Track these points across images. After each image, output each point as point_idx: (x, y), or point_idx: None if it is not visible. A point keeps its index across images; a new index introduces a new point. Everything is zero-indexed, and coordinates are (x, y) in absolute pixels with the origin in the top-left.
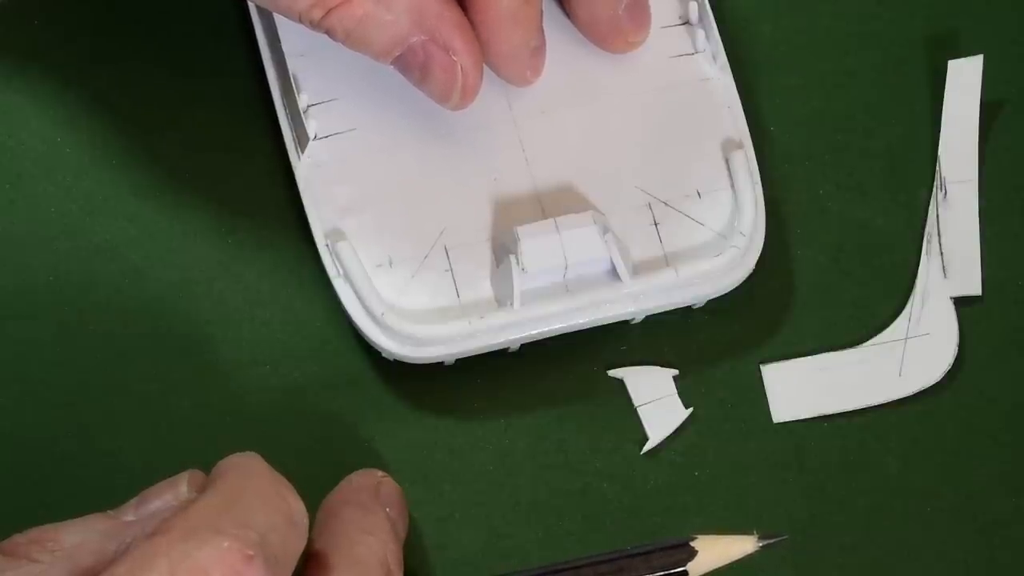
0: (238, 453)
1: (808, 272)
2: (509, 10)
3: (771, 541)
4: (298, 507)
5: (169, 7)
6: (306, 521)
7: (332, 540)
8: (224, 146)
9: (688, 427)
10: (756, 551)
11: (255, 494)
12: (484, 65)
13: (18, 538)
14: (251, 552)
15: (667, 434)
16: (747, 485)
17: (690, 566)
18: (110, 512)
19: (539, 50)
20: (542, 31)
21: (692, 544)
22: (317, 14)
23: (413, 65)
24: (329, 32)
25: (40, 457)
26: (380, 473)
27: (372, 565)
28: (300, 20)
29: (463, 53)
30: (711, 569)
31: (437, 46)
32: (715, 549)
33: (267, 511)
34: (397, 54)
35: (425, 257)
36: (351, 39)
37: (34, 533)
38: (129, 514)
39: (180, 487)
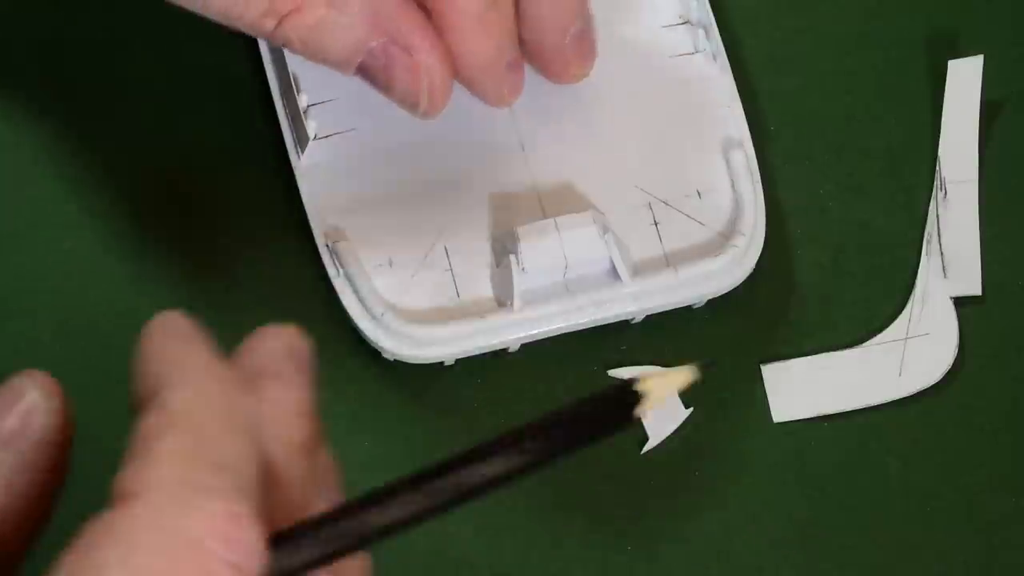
0: (160, 320)
1: (808, 272)
2: (474, 13)
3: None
4: (249, 408)
5: (169, 7)
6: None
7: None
8: (224, 146)
9: (688, 427)
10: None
11: (213, 416)
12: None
13: None
14: (238, 509)
15: (667, 434)
16: (747, 485)
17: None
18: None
19: (515, 66)
20: (516, 45)
21: (635, 388)
22: (270, 24)
23: (376, 71)
24: (286, 43)
25: None
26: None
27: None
28: (253, 32)
29: (424, 51)
30: (660, 401)
31: (397, 47)
32: (659, 384)
33: (233, 440)
34: (359, 61)
35: (425, 257)
36: (308, 48)
37: None
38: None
39: (30, 394)
